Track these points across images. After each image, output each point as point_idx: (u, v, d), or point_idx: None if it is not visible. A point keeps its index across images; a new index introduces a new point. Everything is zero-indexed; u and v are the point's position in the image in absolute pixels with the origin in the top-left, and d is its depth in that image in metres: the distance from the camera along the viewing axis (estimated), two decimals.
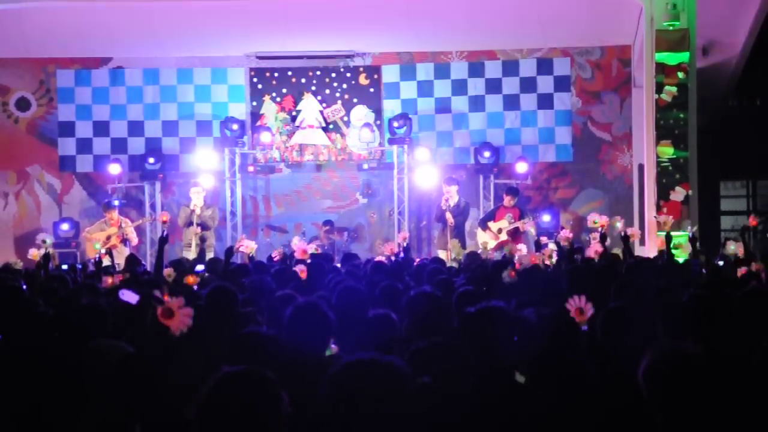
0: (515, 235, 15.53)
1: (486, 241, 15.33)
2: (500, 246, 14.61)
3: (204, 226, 16.05)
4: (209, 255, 15.29)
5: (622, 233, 10.99)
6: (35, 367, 4.87)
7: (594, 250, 10.38)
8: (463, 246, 14.83)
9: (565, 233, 11.19)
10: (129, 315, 6.07)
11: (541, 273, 9.00)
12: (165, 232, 11.33)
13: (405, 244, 12.44)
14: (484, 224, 15.98)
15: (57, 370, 4.79)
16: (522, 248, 12.22)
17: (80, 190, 18.58)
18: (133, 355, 4.23)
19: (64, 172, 18.57)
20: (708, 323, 5.45)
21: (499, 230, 15.68)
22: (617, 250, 12.32)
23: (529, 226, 14.68)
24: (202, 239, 15.87)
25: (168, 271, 9.09)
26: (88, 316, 5.67)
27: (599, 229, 11.00)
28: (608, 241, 11.02)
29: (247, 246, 11.64)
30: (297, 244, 10.04)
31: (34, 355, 5.12)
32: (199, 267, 9.95)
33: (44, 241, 11.46)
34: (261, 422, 3.10)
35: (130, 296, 6.80)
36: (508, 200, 15.97)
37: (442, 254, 14.69)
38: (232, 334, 5.29)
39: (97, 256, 12.37)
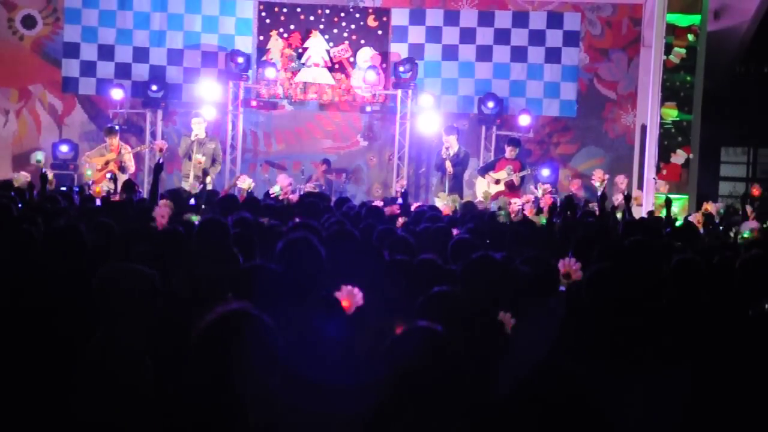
0: (513, 186, 15.53)
1: (486, 190, 15.35)
2: (496, 197, 14.57)
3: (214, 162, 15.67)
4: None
5: (624, 192, 10.98)
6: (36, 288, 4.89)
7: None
8: (461, 196, 14.84)
9: (546, 188, 11.32)
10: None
11: (532, 225, 9.07)
12: (161, 160, 11.31)
13: (402, 191, 12.48)
14: (483, 173, 15.98)
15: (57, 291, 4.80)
16: (516, 201, 12.18)
17: (81, 112, 18.50)
18: (156, 281, 4.21)
19: (67, 94, 18.47)
20: (698, 286, 5.51)
21: (497, 181, 15.68)
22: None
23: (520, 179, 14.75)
24: (204, 172, 15.38)
25: (165, 203, 9.08)
26: (61, 238, 5.62)
27: (601, 188, 11.01)
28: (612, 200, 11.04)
29: (244, 181, 11.66)
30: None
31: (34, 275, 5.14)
32: (191, 201, 9.91)
33: (38, 161, 11.39)
34: (254, 362, 3.12)
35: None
36: (509, 151, 15.95)
37: (439, 202, 14.69)
38: (224, 267, 5.31)
39: (91, 181, 12.31)
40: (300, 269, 4.87)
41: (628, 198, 10.84)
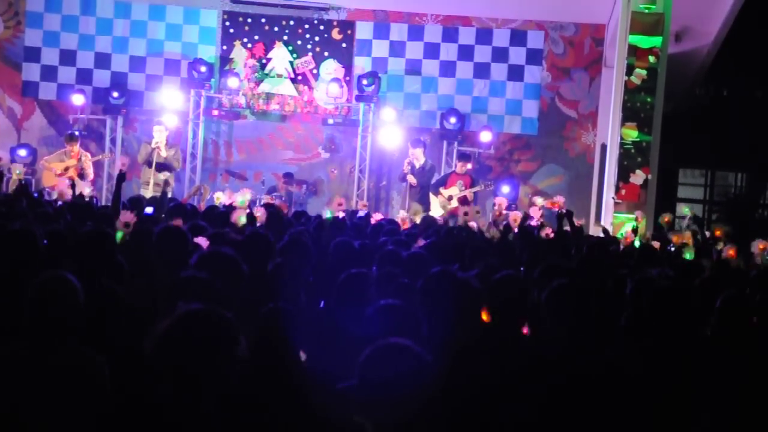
0: (466, 202, 15.52)
1: (438, 205, 15.35)
2: (451, 213, 14.47)
3: (167, 167, 15.61)
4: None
5: (562, 210, 10.88)
6: None
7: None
8: (426, 208, 14.82)
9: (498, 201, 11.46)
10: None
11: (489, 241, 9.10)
12: (123, 170, 11.25)
13: (365, 211, 12.46)
14: (435, 190, 15.95)
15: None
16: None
17: (41, 117, 18.36)
18: (112, 289, 4.20)
19: (26, 98, 18.33)
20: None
21: (450, 197, 15.68)
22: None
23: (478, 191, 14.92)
24: (166, 182, 15.19)
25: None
26: (17, 241, 5.56)
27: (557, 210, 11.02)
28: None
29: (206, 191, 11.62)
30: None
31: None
32: (148, 209, 9.81)
33: (17, 172, 11.36)
34: (218, 361, 3.11)
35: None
36: (460, 167, 15.94)
37: (401, 213, 14.66)
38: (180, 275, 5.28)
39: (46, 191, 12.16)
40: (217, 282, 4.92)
41: (569, 214, 10.69)
